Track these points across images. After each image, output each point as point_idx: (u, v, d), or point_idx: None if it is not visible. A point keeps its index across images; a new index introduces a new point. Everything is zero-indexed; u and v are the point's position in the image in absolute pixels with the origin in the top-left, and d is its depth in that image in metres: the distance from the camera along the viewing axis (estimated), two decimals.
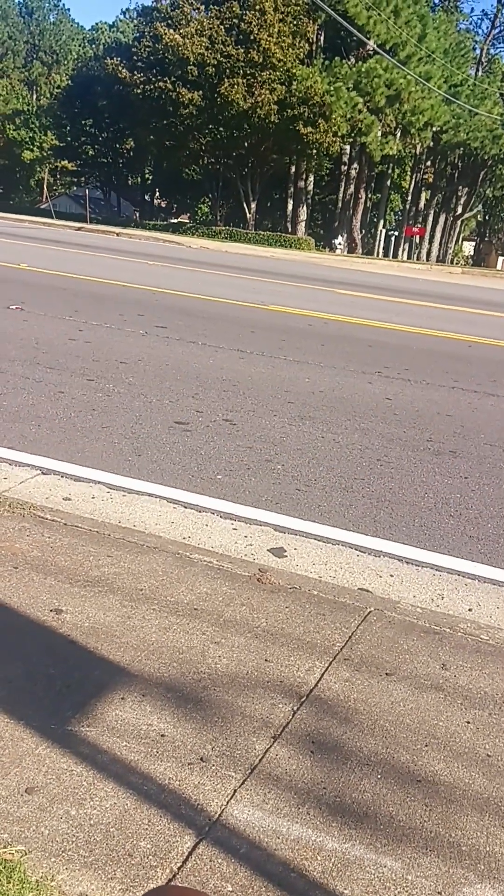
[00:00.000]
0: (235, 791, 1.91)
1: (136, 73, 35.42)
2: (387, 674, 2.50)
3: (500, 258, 48.23)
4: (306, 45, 33.89)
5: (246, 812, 1.85)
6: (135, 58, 36.11)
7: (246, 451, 5.06)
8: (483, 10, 56.00)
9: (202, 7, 35.31)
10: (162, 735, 2.08)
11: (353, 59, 34.85)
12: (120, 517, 3.78)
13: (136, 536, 3.40)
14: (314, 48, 35.20)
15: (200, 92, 33.43)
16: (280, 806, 1.88)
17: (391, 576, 3.56)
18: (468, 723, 2.29)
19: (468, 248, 54.31)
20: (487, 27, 48.10)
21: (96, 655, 2.42)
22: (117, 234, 31.44)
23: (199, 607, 2.77)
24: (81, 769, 1.94)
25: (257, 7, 32.04)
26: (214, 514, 4.01)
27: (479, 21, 49.51)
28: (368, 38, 32.29)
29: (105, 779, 1.91)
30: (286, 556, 3.62)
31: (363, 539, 3.92)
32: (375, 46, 32.34)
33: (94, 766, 1.95)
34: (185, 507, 4.04)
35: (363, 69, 32.36)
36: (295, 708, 2.25)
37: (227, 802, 1.87)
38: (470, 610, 3.30)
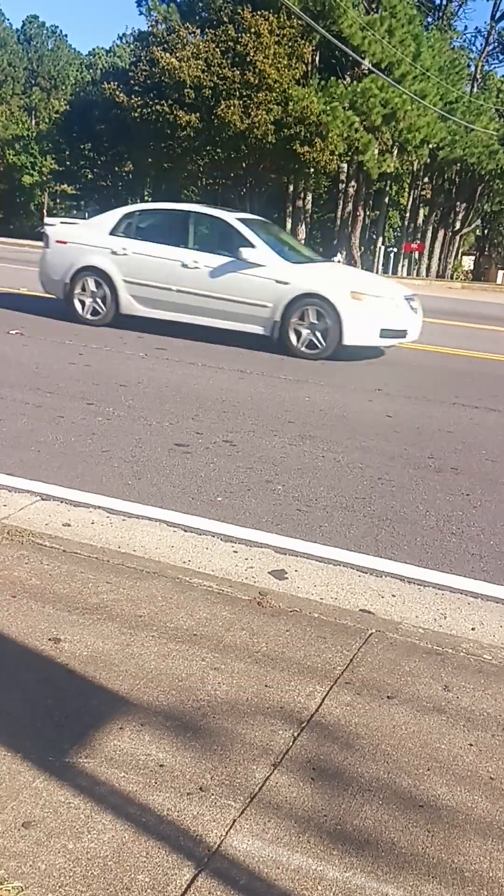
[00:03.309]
0: (235, 821, 1.89)
1: (133, 96, 35.76)
2: (388, 697, 2.48)
3: (500, 272, 48.41)
4: (302, 65, 34.20)
5: (245, 842, 1.83)
6: (132, 82, 36.47)
7: (246, 471, 5.06)
8: (476, 28, 56.63)
9: (198, 31, 35.69)
10: (161, 765, 2.06)
11: (348, 79, 35.16)
12: (120, 542, 3.77)
13: (136, 562, 3.40)
14: (310, 68, 35.52)
15: (197, 114, 33.73)
16: (280, 835, 1.86)
17: (393, 596, 3.54)
18: (471, 745, 2.26)
19: (468, 262, 54.49)
20: (481, 44, 48.50)
21: (95, 684, 2.40)
22: None
23: (199, 633, 2.76)
24: (79, 802, 1.92)
25: (253, 30, 32.37)
26: (215, 536, 4.00)
27: (473, 38, 50.02)
28: (363, 58, 32.57)
29: (103, 811, 1.90)
30: (287, 578, 3.61)
31: (365, 559, 3.91)
32: (370, 66, 32.62)
33: (92, 798, 1.93)
34: (186, 531, 4.03)
35: (359, 89, 32.62)
36: (295, 734, 2.24)
37: (227, 832, 1.85)
38: (473, 629, 3.28)
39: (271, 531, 4.15)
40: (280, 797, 1.98)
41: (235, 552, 3.84)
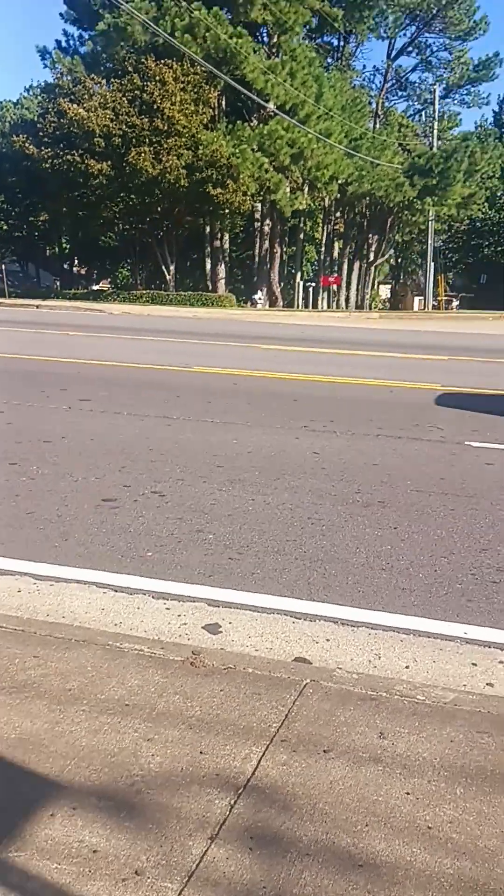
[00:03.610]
0: None
1: (43, 147, 35.79)
2: (325, 751, 2.47)
3: (416, 299, 49.80)
4: (209, 110, 34.85)
5: None
6: (41, 133, 36.50)
7: (176, 522, 5.03)
8: (374, 66, 58.73)
9: (103, 81, 36.07)
10: (94, 851, 2.00)
11: (255, 121, 35.99)
12: (48, 610, 3.69)
13: (65, 630, 3.32)
14: (217, 113, 36.23)
15: (109, 162, 33.95)
16: None
17: (327, 640, 3.55)
18: (408, 794, 2.26)
19: (385, 291, 55.93)
20: (380, 81, 50.38)
21: (24, 769, 2.32)
22: (37, 307, 31.41)
23: (131, 702, 2.71)
24: None
25: (158, 78, 32.89)
26: (146, 594, 3.95)
27: (372, 76, 51.73)
28: (268, 101, 33.43)
29: None
30: (221, 632, 3.58)
31: (298, 604, 3.91)
32: (275, 108, 33.50)
33: (23, 895, 1.86)
34: (116, 591, 3.97)
35: (265, 130, 33.42)
36: (232, 802, 2.20)
37: None
38: (407, 667, 3.31)
39: (204, 583, 4.12)
40: (218, 872, 1.94)
41: (168, 609, 3.80)
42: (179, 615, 3.74)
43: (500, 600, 4.01)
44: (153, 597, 3.93)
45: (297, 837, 2.06)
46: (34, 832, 2.06)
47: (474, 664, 3.36)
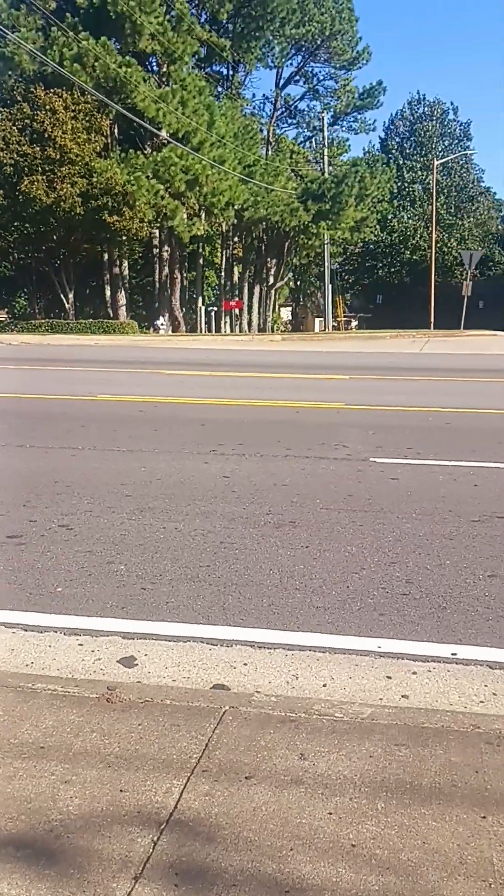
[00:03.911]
0: None
1: None
2: (247, 777, 2.46)
3: (317, 320, 50.81)
4: (102, 138, 34.77)
5: None
6: None
7: (86, 555, 4.94)
8: (264, 95, 59.99)
9: None
10: None
11: (149, 149, 36.12)
12: None
13: None
14: (110, 141, 36.19)
15: (1, 191, 33.40)
16: None
17: (245, 664, 3.54)
18: (330, 814, 2.28)
19: (286, 313, 56.84)
20: (270, 109, 51.46)
21: None
22: None
23: (46, 744, 2.63)
24: None
25: (48, 107, 32.65)
26: (58, 632, 3.86)
27: (262, 105, 52.83)
28: (160, 129, 33.65)
29: None
30: (137, 665, 3.53)
31: (214, 630, 3.90)
32: (168, 136, 33.74)
33: None
34: (25, 630, 3.86)
35: (159, 158, 33.57)
36: (155, 838, 2.16)
37: None
38: (324, 686, 3.34)
39: (117, 616, 4.05)
40: None
41: (81, 645, 3.72)
42: (93, 650, 3.66)
43: (411, 612, 4.10)
44: (65, 633, 3.84)
45: (223, 868, 2.04)
46: None
47: (389, 677, 3.42)
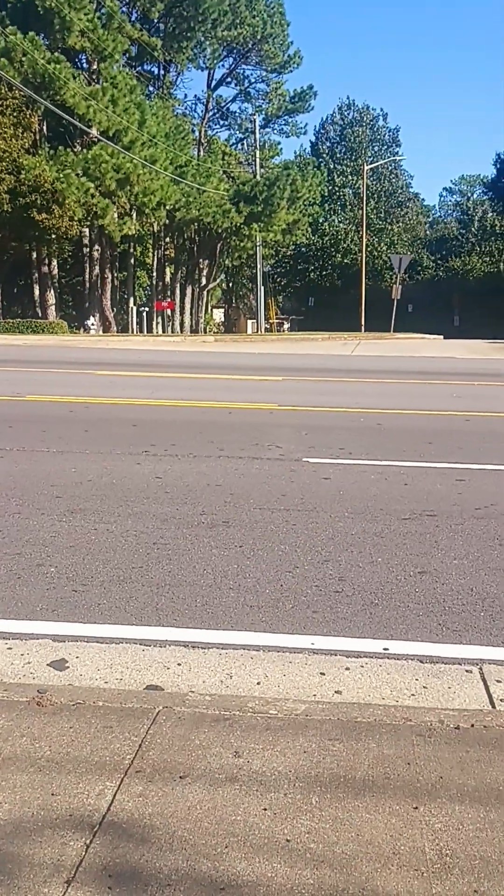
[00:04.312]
0: None
1: None
2: (181, 777, 2.44)
3: (249, 322, 50.95)
4: (30, 135, 34.19)
5: None
6: None
7: (14, 558, 4.83)
8: (196, 95, 59.79)
9: None
10: None
11: (79, 147, 35.67)
12: None
13: None
14: (39, 137, 35.60)
15: None
16: None
17: (178, 665, 3.52)
18: (265, 810, 2.28)
19: (218, 315, 56.84)
20: (202, 110, 51.45)
21: None
22: None
23: None
24: None
25: None
26: None
27: (194, 105, 52.74)
28: (90, 126, 33.25)
29: None
30: (68, 668, 3.47)
31: (147, 631, 3.86)
32: (98, 134, 33.37)
33: None
34: None
35: (90, 156, 33.17)
36: (88, 841, 2.12)
37: None
38: (258, 683, 3.34)
39: (48, 619, 3.98)
40: None
41: (10, 649, 3.64)
42: (23, 654, 3.59)
43: (343, 608, 4.15)
44: None
45: (158, 869, 2.02)
46: None
47: (322, 673, 3.45)
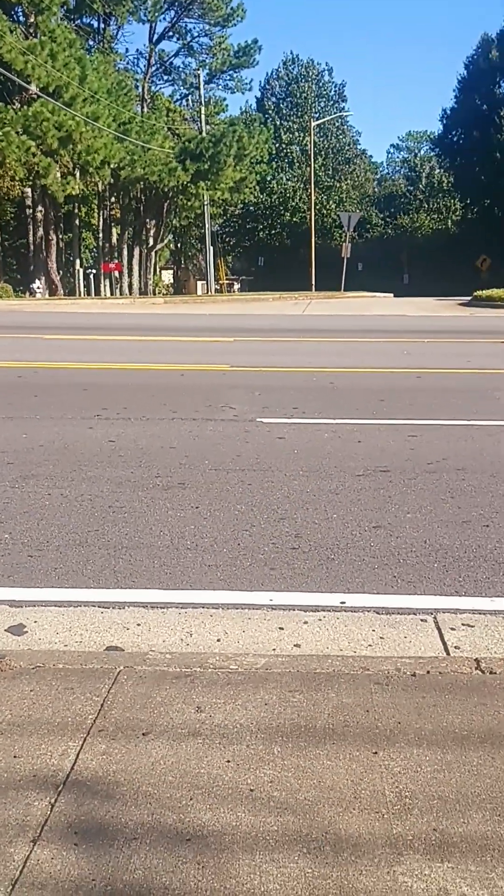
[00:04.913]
0: None
1: None
2: (144, 734, 2.46)
3: (199, 283, 50.46)
4: None
5: None
6: None
7: None
8: (138, 50, 58.07)
9: None
10: None
11: (17, 104, 34.56)
12: None
13: None
14: None
15: None
16: None
17: (138, 625, 3.53)
18: (228, 762, 2.31)
19: (168, 276, 56.10)
20: (145, 65, 50.13)
21: None
22: None
23: None
24: None
25: None
26: None
27: (136, 60, 51.25)
28: (29, 83, 32.21)
29: None
30: (27, 632, 3.45)
31: (105, 593, 3.86)
32: (38, 91, 32.35)
33: None
34: None
35: (30, 113, 32.17)
36: (52, 801, 2.13)
37: None
38: (218, 640, 3.37)
39: (3, 585, 3.94)
40: (44, 874, 1.87)
41: None
42: None
43: (300, 564, 4.19)
44: None
45: (123, 824, 2.04)
46: None
47: (281, 628, 3.49)
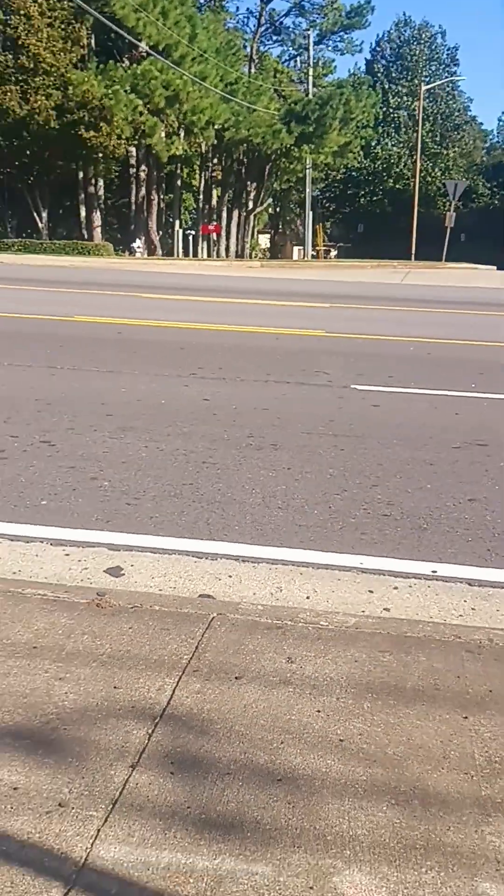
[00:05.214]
0: (99, 830, 1.87)
1: None
2: (236, 677, 2.53)
3: (296, 248, 50.07)
4: (79, 48, 33.36)
5: (112, 850, 1.81)
6: None
7: (69, 471, 4.94)
8: (248, 9, 57.39)
9: None
10: (14, 788, 1.99)
11: (127, 62, 34.74)
12: None
13: None
14: (87, 52, 34.73)
15: None
16: (146, 836, 1.85)
17: (230, 577, 3.61)
18: (318, 711, 2.36)
19: (264, 240, 55.88)
20: (254, 25, 49.53)
21: None
22: None
23: (39, 644, 2.68)
24: None
25: (22, 12, 31.14)
26: (44, 542, 3.88)
27: (246, 19, 50.68)
28: (140, 40, 32.31)
29: None
30: (124, 575, 3.57)
31: (198, 544, 3.95)
32: (148, 48, 32.42)
33: None
34: (12, 540, 3.88)
35: (139, 71, 32.33)
36: (150, 730, 2.23)
37: (92, 844, 1.82)
38: (308, 598, 3.41)
39: (102, 529, 4.08)
40: (142, 797, 1.97)
41: (67, 555, 3.75)
42: (80, 560, 3.70)
43: (392, 532, 4.18)
44: (51, 544, 3.87)
45: (217, 759, 2.12)
46: None
47: (371, 591, 3.51)
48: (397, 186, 56.92)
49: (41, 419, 6.07)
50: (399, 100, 59.34)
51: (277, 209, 57.68)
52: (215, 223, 43.91)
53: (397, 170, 57.16)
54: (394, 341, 10.92)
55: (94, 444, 5.51)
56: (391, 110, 58.55)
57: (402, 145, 58.20)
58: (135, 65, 33.58)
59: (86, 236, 37.57)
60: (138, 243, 38.81)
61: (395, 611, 3.32)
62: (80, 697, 2.37)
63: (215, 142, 39.38)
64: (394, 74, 61.00)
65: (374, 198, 58.61)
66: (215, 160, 44.26)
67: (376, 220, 57.21)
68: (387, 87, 58.24)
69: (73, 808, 1.93)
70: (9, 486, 4.64)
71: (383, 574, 3.69)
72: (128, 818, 1.90)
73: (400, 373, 8.44)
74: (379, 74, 59.77)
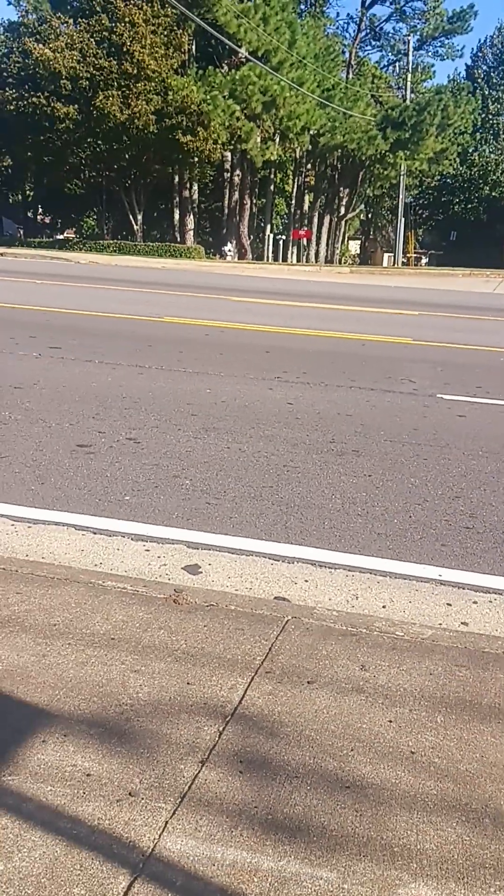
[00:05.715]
0: (167, 822, 1.89)
1: (6, 89, 34.70)
2: (308, 682, 2.53)
3: (386, 255, 49.58)
4: (180, 54, 33.95)
5: (179, 842, 1.83)
6: (5, 74, 35.40)
7: (152, 468, 5.03)
8: (349, 14, 57.29)
9: (70, 21, 34.89)
10: (87, 774, 2.04)
11: (226, 68, 35.14)
12: (27, 550, 3.69)
13: (46, 569, 3.33)
14: (188, 57, 35.31)
15: (76, 106, 33.04)
16: (213, 832, 1.87)
17: (306, 581, 3.60)
18: (390, 721, 2.33)
19: (354, 246, 55.55)
20: (354, 30, 49.36)
21: (13, 699, 2.35)
22: (1, 254, 30.70)
23: (117, 636, 2.74)
24: (6, 821, 1.88)
25: (127, 19, 31.91)
26: (125, 537, 3.97)
27: (346, 25, 50.62)
28: (240, 46, 32.62)
29: (32, 828, 1.86)
30: (201, 573, 3.62)
31: (276, 547, 3.96)
32: (247, 54, 32.70)
33: (19, 816, 1.89)
34: (95, 533, 3.98)
35: (237, 77, 32.65)
36: (221, 728, 2.25)
37: (160, 835, 1.85)
38: (384, 607, 3.38)
39: (182, 526, 4.14)
40: (210, 793, 1.99)
41: (147, 551, 3.82)
42: (159, 556, 3.76)
43: (473, 545, 4.10)
44: (132, 539, 3.95)
45: (286, 761, 2.12)
46: (27, 757, 2.09)
47: (449, 604, 3.44)
48: (493, 194, 55.67)
49: (128, 416, 6.20)
50: (499, 106, 58.02)
51: (369, 215, 57.28)
52: (306, 228, 43.91)
53: (494, 177, 55.89)
54: (484, 351, 10.70)
55: (177, 442, 5.59)
56: (490, 117, 57.29)
57: (500, 152, 56.88)
58: (233, 70, 33.93)
59: (178, 239, 38.17)
60: (229, 247, 39.18)
61: (473, 625, 3.25)
62: (153, 691, 2.41)
63: (310, 147, 39.38)
64: (495, 80, 59.67)
65: (469, 205, 57.46)
66: (309, 165, 44.27)
67: (470, 228, 56.08)
68: (487, 93, 57.01)
69: (142, 798, 1.96)
70: (94, 480, 4.75)
71: (463, 588, 3.62)
72: (195, 813, 1.92)
73: (489, 383, 8.26)
74: (479, 80, 58.57)
